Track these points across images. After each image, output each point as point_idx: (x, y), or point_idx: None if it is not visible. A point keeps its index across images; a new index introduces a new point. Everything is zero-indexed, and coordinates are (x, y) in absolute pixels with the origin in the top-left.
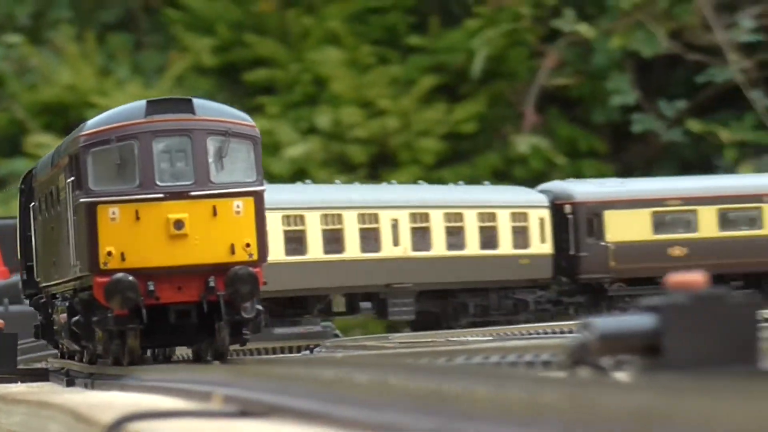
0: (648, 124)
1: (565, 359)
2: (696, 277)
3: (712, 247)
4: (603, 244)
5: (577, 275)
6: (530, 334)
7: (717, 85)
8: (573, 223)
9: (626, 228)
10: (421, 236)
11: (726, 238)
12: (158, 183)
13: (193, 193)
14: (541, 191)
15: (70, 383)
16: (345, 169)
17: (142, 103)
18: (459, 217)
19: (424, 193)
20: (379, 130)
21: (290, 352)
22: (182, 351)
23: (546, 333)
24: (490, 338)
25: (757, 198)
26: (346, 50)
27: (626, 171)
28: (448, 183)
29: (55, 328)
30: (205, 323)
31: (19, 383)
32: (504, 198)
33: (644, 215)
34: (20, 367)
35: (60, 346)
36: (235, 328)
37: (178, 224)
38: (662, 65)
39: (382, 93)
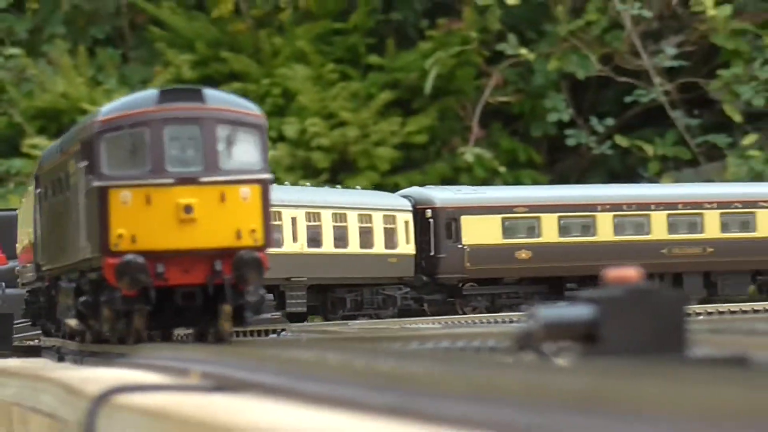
0: (580, 139)
1: (512, 345)
2: (631, 273)
3: (552, 252)
4: (460, 246)
5: (436, 275)
6: (474, 323)
7: (642, 105)
8: (433, 227)
9: (480, 232)
10: (315, 234)
11: (565, 243)
12: (168, 169)
13: (202, 179)
14: (405, 196)
15: (61, 359)
16: (309, 173)
17: (154, 91)
18: (344, 217)
19: (316, 195)
20: (340, 139)
21: (257, 335)
22: (181, 332)
23: (489, 322)
24: (440, 326)
25: (592, 207)
26: (312, 67)
27: (561, 180)
28: (397, 188)
29: (59, 308)
30: (210, 305)
31: (14, 359)
32: (378, 201)
33: (495, 221)
34: (15, 344)
35: (62, 326)
36: (238, 310)
37: (188, 209)
38: (594, 86)
39: (344, 106)
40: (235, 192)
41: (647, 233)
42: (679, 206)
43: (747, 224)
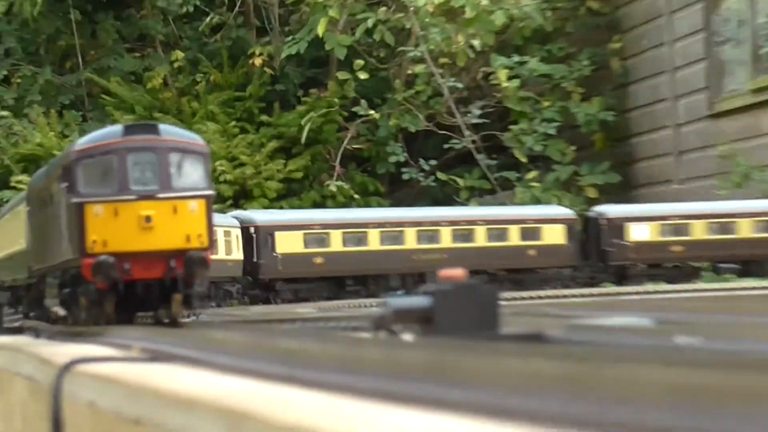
0: (412, 174)
1: (370, 325)
2: (458, 272)
3: (338, 258)
4: (275, 254)
5: (258, 276)
6: (342, 308)
7: (456, 150)
8: (255, 240)
9: (289, 244)
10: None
11: (347, 252)
12: (132, 188)
13: (158, 196)
14: (235, 217)
15: (38, 337)
16: (218, 201)
17: (120, 126)
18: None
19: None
20: (240, 175)
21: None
22: (142, 315)
23: (354, 307)
24: (315, 310)
25: (364, 225)
26: (220, 124)
27: (399, 204)
28: (282, 209)
29: (46, 299)
30: (165, 295)
31: (2, 336)
32: (221, 221)
33: (299, 235)
34: (4, 326)
35: (49, 312)
36: (187, 298)
37: (148, 219)
38: (422, 137)
39: (243, 152)
40: (185, 205)
41: (402, 244)
42: (423, 224)
43: (469, 237)
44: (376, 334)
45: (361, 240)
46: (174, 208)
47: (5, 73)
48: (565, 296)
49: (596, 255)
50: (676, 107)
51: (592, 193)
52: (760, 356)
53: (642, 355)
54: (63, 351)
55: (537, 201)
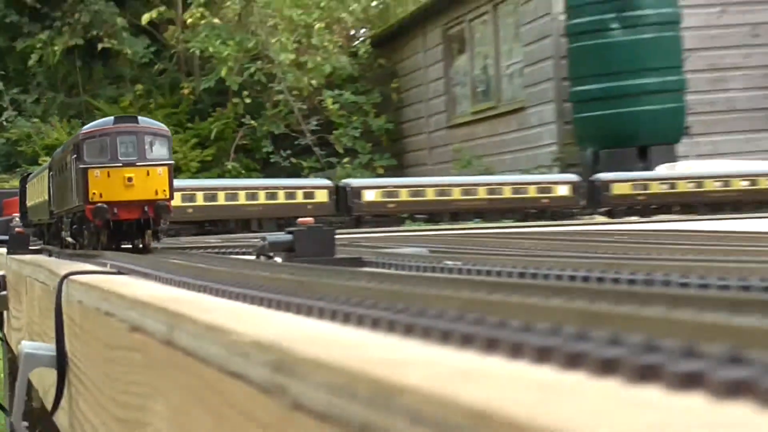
0: (277, 159)
1: (255, 252)
2: (309, 219)
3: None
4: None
5: None
6: (237, 239)
7: (302, 146)
8: None
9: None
10: None
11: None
12: (120, 158)
13: (137, 164)
14: None
15: (50, 255)
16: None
17: (112, 118)
18: None
19: None
20: (174, 159)
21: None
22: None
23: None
24: (220, 239)
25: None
26: None
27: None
28: None
29: (62, 232)
30: (141, 230)
31: (28, 255)
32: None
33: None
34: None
35: (63, 241)
36: (155, 233)
37: (129, 179)
38: (282, 137)
39: (175, 145)
40: (155, 170)
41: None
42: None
43: (274, 196)
44: (258, 258)
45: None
46: (147, 172)
47: (36, 96)
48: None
49: (345, 210)
50: (429, 122)
51: (381, 171)
52: (504, 276)
53: (429, 274)
54: (64, 266)
55: (348, 176)
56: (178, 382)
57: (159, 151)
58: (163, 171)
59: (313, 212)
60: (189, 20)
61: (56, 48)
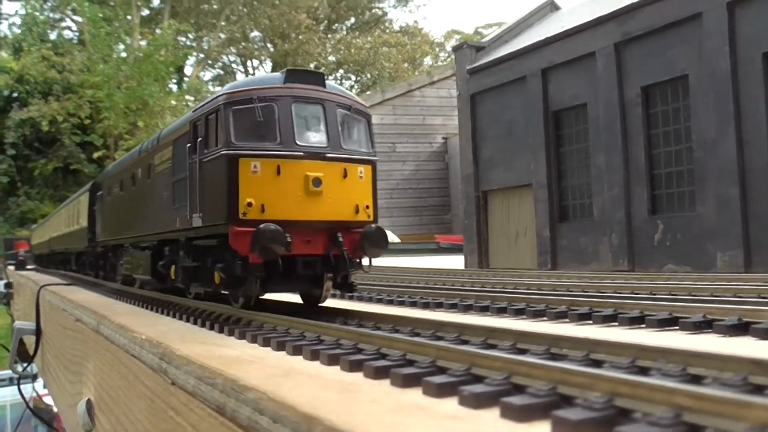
0: None
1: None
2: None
3: None
4: None
5: None
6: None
7: None
8: None
9: None
10: None
11: None
12: (298, 143)
13: (328, 155)
14: None
15: (38, 271)
16: None
17: (279, 73)
18: None
19: None
20: None
21: None
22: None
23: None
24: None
25: None
26: None
27: None
28: None
29: (124, 268)
30: (320, 272)
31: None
32: None
33: None
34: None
35: (122, 278)
36: (345, 282)
37: (316, 181)
38: None
39: None
40: (355, 170)
41: None
42: None
43: None
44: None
45: None
46: (344, 171)
47: (37, 190)
48: None
49: None
50: None
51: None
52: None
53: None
54: (42, 279)
55: None
56: (101, 354)
57: (356, 136)
58: (365, 172)
59: None
60: (116, 157)
61: (48, 167)
